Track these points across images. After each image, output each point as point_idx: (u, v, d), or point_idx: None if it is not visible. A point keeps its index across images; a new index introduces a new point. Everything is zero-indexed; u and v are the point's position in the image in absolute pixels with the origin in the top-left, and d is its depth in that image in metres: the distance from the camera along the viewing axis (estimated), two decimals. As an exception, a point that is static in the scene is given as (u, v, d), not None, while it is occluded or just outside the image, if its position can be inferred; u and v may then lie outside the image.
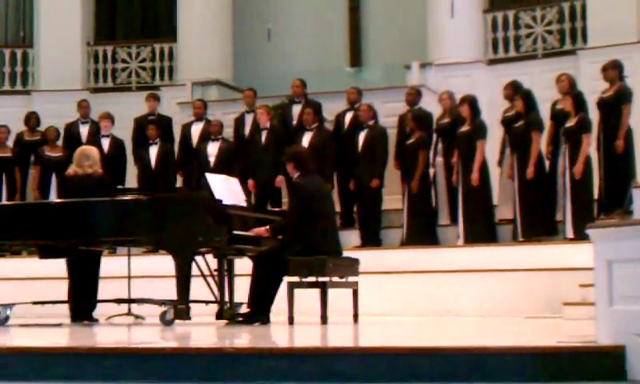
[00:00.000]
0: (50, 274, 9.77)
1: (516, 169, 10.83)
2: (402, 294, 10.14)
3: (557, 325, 7.49)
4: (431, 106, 12.36)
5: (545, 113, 11.08)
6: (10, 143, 13.32)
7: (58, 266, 9.13)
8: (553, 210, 10.89)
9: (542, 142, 10.86)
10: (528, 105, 10.84)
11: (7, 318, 8.61)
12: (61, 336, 6.93)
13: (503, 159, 11.40)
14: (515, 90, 11.22)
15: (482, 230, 11.01)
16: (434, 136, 11.85)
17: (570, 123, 10.48)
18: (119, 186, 9.98)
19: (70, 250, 8.66)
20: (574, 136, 10.42)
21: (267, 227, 8.17)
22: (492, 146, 11.47)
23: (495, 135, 11.59)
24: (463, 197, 11.07)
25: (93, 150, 9.36)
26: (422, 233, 11.40)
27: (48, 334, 6.97)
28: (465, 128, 11.16)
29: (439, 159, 11.75)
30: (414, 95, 12.14)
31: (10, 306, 8.68)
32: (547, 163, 10.96)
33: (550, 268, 9.75)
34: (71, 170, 9.11)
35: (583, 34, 13.41)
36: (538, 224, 10.73)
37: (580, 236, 10.04)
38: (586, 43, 13.29)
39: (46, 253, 8.76)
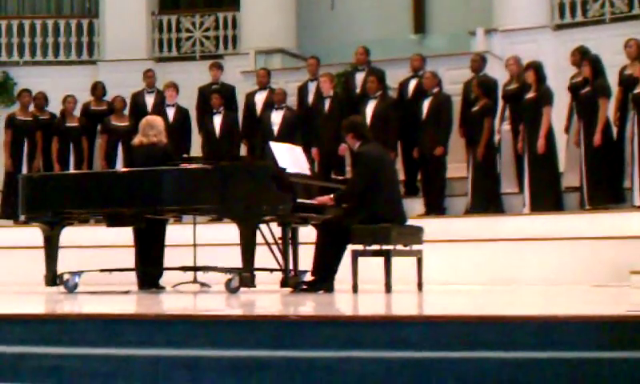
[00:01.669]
0: (117, 242, 9.89)
1: (583, 136, 10.68)
2: (467, 263, 10.09)
3: (624, 293, 7.40)
4: (496, 72, 12.23)
5: (613, 78, 10.88)
6: (77, 113, 13.49)
7: (126, 235, 9.25)
8: (620, 177, 10.72)
9: (609, 109, 10.68)
10: (595, 71, 10.66)
11: (76, 286, 8.76)
12: (128, 303, 7.02)
13: (570, 126, 11.25)
14: (582, 56, 11.04)
15: (548, 198, 10.88)
16: (500, 102, 11.73)
17: (639, 89, 10.29)
18: (184, 155, 10.05)
19: (137, 218, 8.76)
20: (642, 102, 10.25)
21: (331, 195, 8.17)
22: (559, 112, 11.31)
23: (562, 102, 11.42)
24: (529, 164, 10.94)
25: (157, 120, 9.42)
26: (487, 201, 11.31)
27: (116, 301, 7.07)
28: (530, 95, 11.01)
29: (505, 126, 11.63)
30: (479, 62, 12.01)
31: (79, 273, 8.83)
32: (615, 130, 10.78)
33: (617, 236, 9.64)
34: (137, 139, 9.19)
35: (653, -2, 13.14)
36: (605, 192, 10.58)
37: (648, 204, 9.89)
38: (655, 7, 13.02)
39: (113, 221, 8.86)
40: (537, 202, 10.85)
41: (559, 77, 11.93)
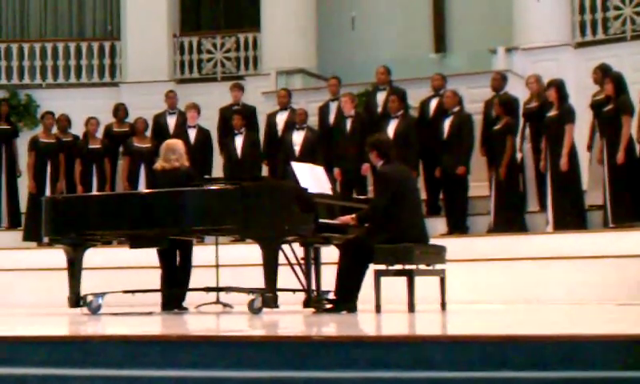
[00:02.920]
0: (140, 264, 9.92)
1: (606, 153, 10.63)
2: (490, 282, 10.04)
3: (650, 312, 7.34)
4: (517, 90, 12.21)
5: (635, 96, 10.84)
6: (100, 135, 13.56)
7: (148, 256, 9.27)
8: (644, 194, 10.67)
9: (632, 126, 10.64)
10: (618, 88, 10.62)
11: (99, 307, 8.77)
12: (152, 324, 7.03)
13: (593, 144, 11.20)
14: (604, 74, 10.99)
15: (571, 217, 10.83)
16: (521, 121, 11.69)
17: (662, 106, 10.26)
18: (206, 176, 10.07)
19: (159, 239, 8.77)
20: (665, 119, 10.20)
21: (353, 215, 8.15)
22: (581, 130, 11.27)
23: (584, 119, 11.38)
24: (552, 182, 10.90)
25: (178, 144, 9.45)
26: (510, 220, 11.26)
27: (139, 323, 7.07)
28: (552, 113, 10.98)
29: (526, 144, 11.59)
30: (500, 80, 12.00)
31: (102, 295, 8.84)
32: (638, 147, 10.73)
33: (641, 254, 9.57)
34: (158, 164, 9.22)
35: (674, 15, 13.10)
36: (628, 209, 10.53)
37: (673, 221, 9.81)
38: (677, 23, 12.98)
39: (136, 243, 8.87)
40: (560, 221, 10.79)
41: (580, 95, 11.89)
